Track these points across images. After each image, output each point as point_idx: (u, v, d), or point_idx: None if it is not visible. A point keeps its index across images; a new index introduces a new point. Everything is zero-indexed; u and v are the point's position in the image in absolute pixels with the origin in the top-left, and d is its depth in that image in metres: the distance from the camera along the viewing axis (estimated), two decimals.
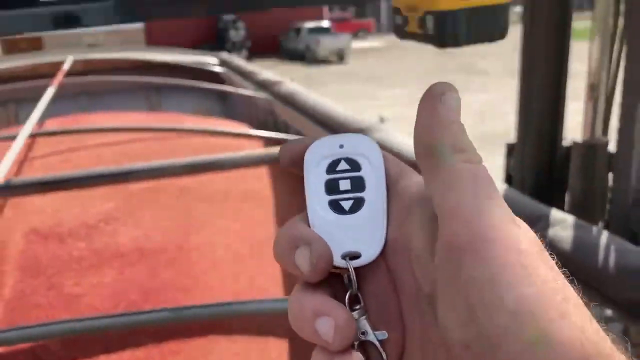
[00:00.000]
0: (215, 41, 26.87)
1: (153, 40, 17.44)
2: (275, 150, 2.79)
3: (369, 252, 0.41)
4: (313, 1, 0.76)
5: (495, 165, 1.85)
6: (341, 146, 0.43)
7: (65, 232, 2.54)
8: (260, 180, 3.14)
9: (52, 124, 3.30)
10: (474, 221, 0.33)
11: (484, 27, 0.62)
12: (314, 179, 0.44)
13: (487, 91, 15.30)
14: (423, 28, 0.63)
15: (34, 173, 2.64)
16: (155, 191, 2.78)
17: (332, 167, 0.43)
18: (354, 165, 0.43)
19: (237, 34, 26.85)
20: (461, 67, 19.66)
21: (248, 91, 4.17)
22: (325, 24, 27.29)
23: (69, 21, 0.74)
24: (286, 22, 27.94)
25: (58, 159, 2.87)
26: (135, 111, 4.32)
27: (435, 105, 0.39)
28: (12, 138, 2.53)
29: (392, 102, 14.30)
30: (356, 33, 32.68)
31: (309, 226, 0.42)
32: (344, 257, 0.41)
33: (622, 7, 1.54)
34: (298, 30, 26.21)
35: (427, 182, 0.38)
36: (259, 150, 2.92)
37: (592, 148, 1.65)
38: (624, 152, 1.46)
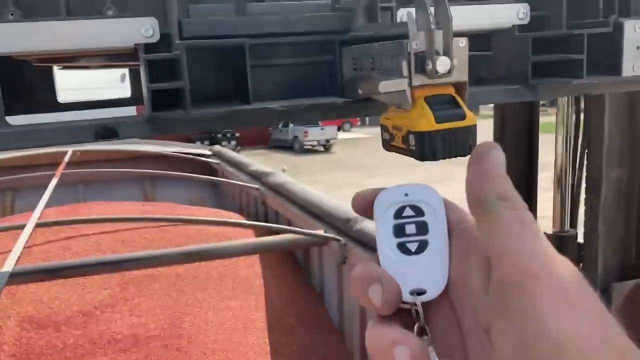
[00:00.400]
0: (207, 132, 27.49)
1: None
2: (266, 240, 2.92)
3: (434, 289, 0.45)
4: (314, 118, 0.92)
5: None
6: (406, 194, 0.49)
7: (61, 320, 2.60)
8: (252, 267, 3.24)
9: (51, 213, 3.42)
10: (521, 261, 0.38)
11: (456, 144, 0.78)
12: (383, 223, 0.48)
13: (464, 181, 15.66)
14: (406, 144, 0.79)
15: (33, 261, 2.72)
16: (150, 278, 2.86)
17: (398, 213, 0.48)
18: (418, 211, 0.48)
19: None
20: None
21: (240, 182, 4.34)
22: None
23: (108, 133, 0.90)
24: None
25: (57, 247, 2.96)
26: (131, 200, 4.45)
27: (482, 161, 0.46)
28: (17, 228, 2.64)
29: None
30: (341, 125, 33.72)
31: (379, 265, 0.47)
32: (411, 293, 0.45)
33: (582, 105, 1.73)
34: (286, 122, 26.98)
35: (479, 228, 0.43)
36: (250, 239, 3.03)
37: (561, 239, 1.79)
38: (590, 246, 1.60)
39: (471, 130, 0.83)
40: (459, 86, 0.82)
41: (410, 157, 0.82)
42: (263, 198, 3.84)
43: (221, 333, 2.64)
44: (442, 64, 0.74)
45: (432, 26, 0.74)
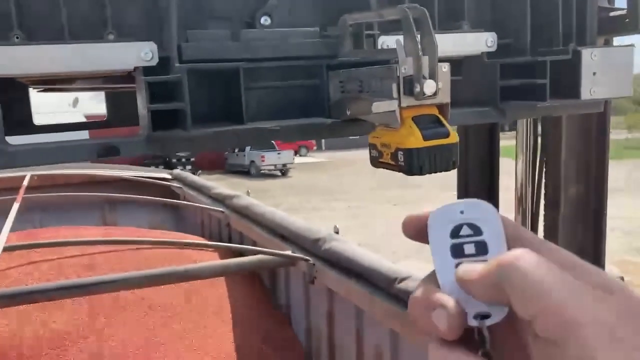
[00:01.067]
0: (161, 157, 27.20)
1: None
2: (235, 261, 2.93)
3: (498, 312, 0.43)
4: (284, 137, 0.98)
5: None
6: (462, 212, 0.47)
7: (25, 351, 2.53)
8: (219, 290, 3.24)
9: (10, 239, 3.34)
10: (558, 313, 0.37)
11: (441, 159, 0.85)
12: (439, 243, 0.46)
13: (421, 203, 15.99)
14: (395, 160, 0.86)
15: None
16: (116, 302, 2.83)
17: (455, 232, 0.46)
18: (476, 230, 0.46)
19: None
20: (396, 181, 20.59)
21: (202, 205, 4.33)
22: None
23: (110, 152, 0.93)
24: None
25: (19, 272, 2.89)
26: (90, 225, 4.38)
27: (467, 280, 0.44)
28: None
29: (335, 215, 14.70)
30: (298, 150, 33.92)
31: (438, 287, 0.45)
32: (475, 317, 0.43)
33: (540, 129, 1.85)
34: (243, 147, 27.02)
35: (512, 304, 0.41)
36: (219, 261, 3.04)
37: None
38: None
39: (454, 147, 0.91)
40: (442, 107, 0.91)
41: (399, 172, 0.89)
42: (227, 220, 3.85)
43: (193, 358, 2.63)
44: (429, 86, 0.82)
45: (420, 52, 0.81)
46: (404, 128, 0.85)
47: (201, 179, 5.04)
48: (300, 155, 33.65)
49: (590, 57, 1.14)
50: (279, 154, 26.36)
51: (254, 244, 3.38)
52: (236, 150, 27.88)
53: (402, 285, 2.03)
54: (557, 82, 1.15)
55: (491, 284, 0.41)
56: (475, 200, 0.47)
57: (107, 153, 0.90)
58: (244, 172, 27.11)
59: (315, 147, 36.43)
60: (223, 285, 3.29)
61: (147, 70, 0.92)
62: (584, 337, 0.36)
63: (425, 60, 0.82)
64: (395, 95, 0.83)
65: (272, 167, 26.25)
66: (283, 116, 1.01)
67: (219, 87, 1.01)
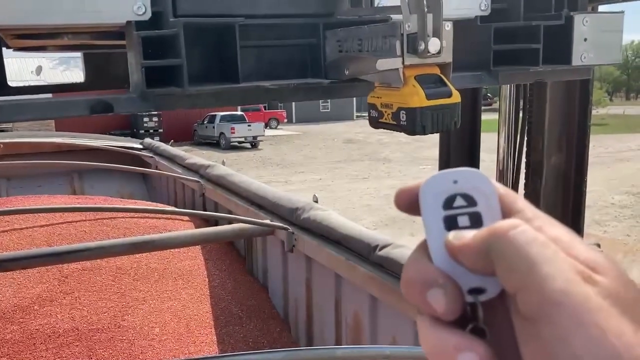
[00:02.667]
0: (128, 128, 26.70)
1: (64, 126, 17.15)
2: (213, 230, 2.92)
3: (493, 287, 0.41)
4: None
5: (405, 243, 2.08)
6: (455, 182, 0.44)
7: None
8: (194, 259, 3.22)
9: None
10: (541, 289, 0.36)
11: (443, 119, 0.85)
12: (432, 215, 0.44)
13: (392, 177, 16.12)
14: (397, 120, 0.85)
15: None
16: (90, 272, 2.79)
17: (448, 204, 0.44)
18: (470, 201, 0.44)
19: (151, 120, 26.89)
20: (366, 155, 20.70)
21: (175, 174, 4.28)
22: (238, 112, 27.98)
23: (104, 108, 0.90)
24: (199, 110, 28.32)
25: None
26: (59, 194, 4.29)
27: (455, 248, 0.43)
28: None
29: (306, 187, 14.71)
30: (268, 122, 33.67)
31: (432, 262, 0.43)
32: (470, 292, 0.41)
33: (521, 104, 1.86)
34: (212, 118, 26.66)
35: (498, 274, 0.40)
36: (197, 230, 3.01)
37: None
38: None
39: (456, 107, 0.91)
40: (444, 66, 0.90)
41: (401, 132, 0.89)
42: (202, 190, 3.81)
43: (166, 325, 2.62)
44: (434, 44, 0.81)
45: (425, 9, 0.80)
46: (406, 87, 0.84)
47: (174, 149, 4.97)
48: (271, 128, 33.45)
49: (582, 23, 1.14)
50: (249, 125, 26.14)
51: (230, 214, 3.36)
52: (205, 122, 27.55)
53: (383, 252, 2.04)
54: (549, 48, 1.15)
55: (480, 252, 0.40)
56: (469, 169, 0.45)
57: (101, 109, 0.87)
58: (214, 143, 26.84)
59: (285, 120, 36.24)
60: (198, 253, 3.28)
61: (138, 26, 0.89)
62: (558, 316, 0.35)
63: (429, 17, 0.81)
64: (399, 52, 0.82)
65: (242, 139, 26.04)
66: (279, 76, 0.99)
67: (214, 44, 0.98)
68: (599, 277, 0.36)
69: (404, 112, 0.84)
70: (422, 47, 0.80)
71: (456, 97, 0.86)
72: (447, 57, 0.86)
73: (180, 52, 0.87)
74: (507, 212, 0.43)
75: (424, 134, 0.83)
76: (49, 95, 1.75)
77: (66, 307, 2.59)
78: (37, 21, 0.85)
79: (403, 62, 0.83)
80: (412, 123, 0.83)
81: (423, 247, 0.44)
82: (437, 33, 0.81)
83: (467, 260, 0.41)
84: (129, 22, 0.89)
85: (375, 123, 0.91)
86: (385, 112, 0.88)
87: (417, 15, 0.80)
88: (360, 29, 0.92)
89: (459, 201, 0.44)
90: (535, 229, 0.39)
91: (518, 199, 0.44)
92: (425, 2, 0.80)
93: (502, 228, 0.39)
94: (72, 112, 0.90)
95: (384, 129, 0.90)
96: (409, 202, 0.46)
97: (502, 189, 0.44)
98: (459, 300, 0.41)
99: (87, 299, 2.65)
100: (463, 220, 0.44)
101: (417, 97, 0.83)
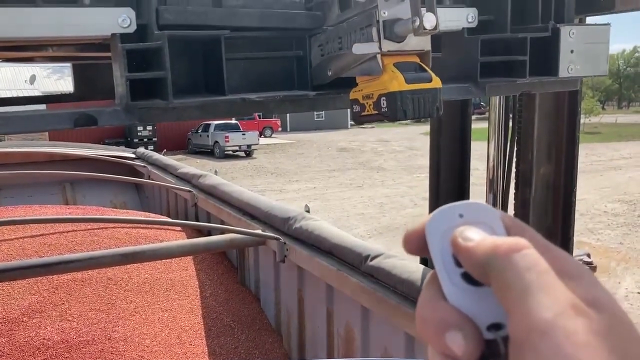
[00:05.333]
0: (123, 137, 26.66)
1: (57, 135, 17.11)
2: (204, 240, 2.90)
3: None
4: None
5: (398, 253, 2.07)
6: (461, 215, 0.43)
7: None
8: (185, 270, 3.20)
9: None
10: (530, 316, 0.35)
11: (424, 105, 0.85)
12: (441, 253, 0.43)
13: (385, 186, 16.14)
14: (378, 108, 0.86)
15: None
16: (81, 282, 2.77)
17: None
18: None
19: (145, 129, 26.87)
20: (360, 163, 20.72)
21: (168, 184, 4.26)
22: (233, 121, 28.02)
23: (88, 121, 0.90)
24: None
25: None
26: (51, 204, 4.26)
27: (459, 240, 0.43)
28: None
29: (300, 195, 14.70)
30: (262, 130, 33.67)
31: (446, 300, 0.42)
32: (489, 328, 0.40)
33: (511, 113, 1.87)
34: (207, 127, 26.67)
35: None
36: (188, 240, 3.00)
37: None
38: None
39: (437, 92, 0.91)
40: (423, 55, 0.90)
41: (383, 120, 0.88)
42: (195, 200, 3.80)
43: (158, 336, 2.60)
44: (429, 20, 0.80)
45: None
46: (386, 74, 0.85)
47: (167, 158, 4.95)
48: (265, 136, 33.47)
49: (569, 35, 1.15)
50: (243, 134, 26.15)
51: (223, 224, 3.34)
52: (199, 130, 27.53)
53: (374, 262, 2.03)
54: (536, 60, 1.16)
55: (480, 263, 0.39)
56: (474, 202, 0.44)
57: (85, 122, 0.86)
58: (208, 152, 26.84)
59: (280, 128, 36.26)
60: (190, 264, 3.26)
61: (124, 38, 0.89)
62: (543, 346, 0.34)
63: None
64: (375, 39, 0.83)
65: (237, 148, 26.05)
66: (265, 87, 0.99)
67: (199, 56, 0.98)
68: (594, 313, 0.35)
69: (385, 99, 0.84)
70: (417, 23, 0.79)
71: (437, 83, 0.87)
72: (425, 45, 0.87)
73: (164, 64, 0.87)
74: None
75: (406, 119, 0.84)
76: (42, 105, 1.74)
77: (56, 318, 2.56)
78: (23, 34, 0.84)
79: (380, 48, 0.83)
80: (393, 108, 0.84)
81: (435, 283, 0.43)
82: (431, 8, 0.80)
83: (465, 263, 0.41)
84: (113, 35, 0.89)
85: (358, 117, 0.91)
86: (367, 103, 0.88)
87: None
88: (338, 27, 0.92)
89: None
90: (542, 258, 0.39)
91: (526, 230, 0.43)
92: None
93: (505, 246, 0.39)
94: (56, 125, 0.89)
95: (367, 122, 0.90)
96: (417, 245, 0.44)
97: (508, 220, 0.44)
98: (478, 341, 0.40)
99: (77, 310, 2.63)
100: None
101: (396, 82, 0.84)
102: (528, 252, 0.38)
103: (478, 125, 1.97)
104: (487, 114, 2.36)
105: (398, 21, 0.83)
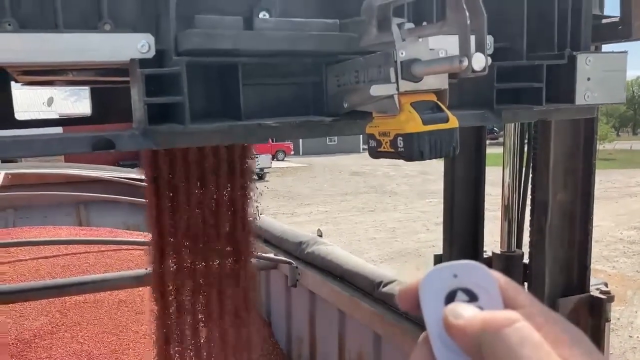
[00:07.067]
0: (137, 158, 26.85)
1: (73, 156, 17.26)
2: None
3: None
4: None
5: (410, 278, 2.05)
6: (455, 276, 0.43)
7: None
8: None
9: None
10: None
11: (441, 145, 0.85)
12: (433, 312, 0.42)
13: (398, 210, 16.08)
14: (395, 147, 0.85)
15: None
16: (92, 304, 2.77)
17: (450, 299, 0.43)
18: (472, 296, 0.42)
19: None
20: (372, 187, 20.69)
21: None
22: None
23: (106, 145, 0.91)
24: None
25: None
26: (65, 225, 4.29)
27: (449, 323, 0.42)
28: None
29: (312, 219, 14.68)
30: (275, 154, 33.83)
31: (434, 358, 0.42)
32: None
33: (526, 139, 1.86)
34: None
35: None
36: None
37: (509, 259, 1.90)
38: (537, 264, 1.71)
39: (454, 133, 0.90)
40: (440, 94, 0.90)
41: (399, 159, 0.88)
42: None
43: None
44: (478, 60, 0.77)
45: (468, 22, 0.77)
46: (402, 114, 0.85)
47: None
48: (278, 160, 33.58)
49: (585, 63, 1.14)
50: (256, 157, 26.27)
51: None
52: None
53: (387, 289, 2.02)
54: (552, 87, 1.15)
55: (472, 340, 0.39)
56: (469, 262, 0.44)
57: (103, 146, 0.87)
58: None
59: (292, 152, 36.39)
60: None
61: (142, 63, 0.90)
62: None
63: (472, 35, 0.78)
64: (393, 79, 0.83)
65: None
66: (281, 113, 0.99)
67: (216, 81, 0.99)
68: None
69: (401, 138, 0.84)
70: (465, 63, 0.77)
71: (453, 123, 0.86)
72: (443, 84, 0.87)
73: (182, 90, 0.87)
74: (509, 306, 0.42)
75: (422, 159, 0.83)
76: (59, 128, 1.76)
77: (67, 340, 2.56)
78: (45, 59, 0.86)
79: (398, 89, 0.83)
80: (410, 149, 0.83)
81: (427, 344, 0.43)
82: (481, 48, 0.78)
83: (458, 340, 0.40)
84: (132, 60, 0.90)
85: (375, 152, 0.91)
86: (383, 140, 0.88)
87: (460, 30, 0.77)
88: (356, 61, 0.92)
89: (460, 296, 0.43)
90: (535, 326, 0.38)
91: (521, 292, 0.43)
92: (467, 14, 0.76)
93: (496, 322, 0.38)
94: (75, 148, 0.90)
95: (383, 157, 0.90)
96: (411, 303, 0.44)
97: (503, 280, 0.43)
98: None
99: (89, 333, 2.62)
100: None
101: (413, 123, 0.83)
102: (519, 325, 0.38)
103: (490, 151, 1.96)
104: (499, 139, 2.35)
105: (415, 62, 0.82)
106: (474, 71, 0.76)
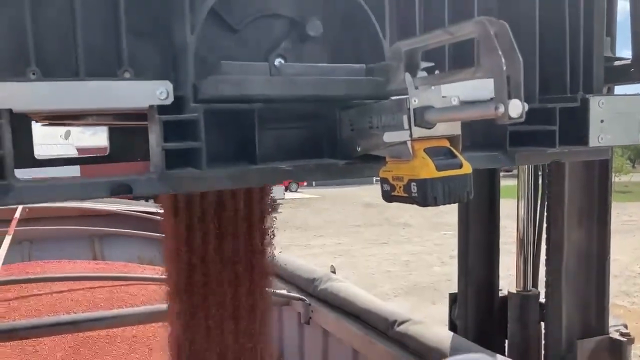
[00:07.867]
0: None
1: None
2: None
3: None
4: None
5: (426, 314, 2.02)
6: None
7: None
8: None
9: None
10: None
11: (455, 190, 0.85)
12: None
13: (412, 243, 15.96)
14: (408, 192, 0.86)
15: None
16: (105, 340, 2.76)
17: None
18: None
19: None
20: (385, 219, 20.61)
21: None
22: None
23: (123, 190, 0.92)
24: None
25: (5, 308, 2.83)
26: (79, 259, 4.31)
27: None
28: None
29: (325, 251, 14.61)
30: (288, 185, 33.95)
31: None
32: None
33: (540, 175, 1.86)
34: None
35: None
36: None
37: (525, 298, 1.88)
38: (554, 305, 1.69)
39: (468, 178, 0.91)
40: (453, 139, 0.91)
41: (412, 204, 0.89)
42: None
43: None
44: (515, 107, 0.74)
45: (504, 67, 0.77)
46: (416, 159, 0.86)
47: None
48: (291, 191, 33.64)
49: (598, 105, 1.15)
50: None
51: None
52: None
53: (401, 328, 2.00)
54: (566, 129, 1.16)
55: None
56: (479, 355, 0.43)
57: (121, 191, 0.89)
58: None
59: (305, 183, 36.48)
60: None
61: (160, 108, 0.92)
62: None
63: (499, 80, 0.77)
64: (406, 126, 0.84)
65: None
66: (295, 156, 1.01)
67: (232, 126, 1.00)
68: None
69: (415, 184, 0.85)
70: (502, 110, 0.75)
71: (467, 169, 0.87)
72: (455, 130, 0.88)
73: (199, 135, 0.89)
74: None
75: (436, 205, 0.84)
76: (76, 167, 1.79)
77: None
78: (68, 106, 0.88)
79: (411, 135, 0.84)
80: (423, 194, 0.84)
81: None
82: (518, 94, 0.75)
83: None
84: (151, 106, 0.92)
85: (389, 196, 0.92)
86: (397, 185, 0.89)
87: (494, 74, 0.76)
88: (369, 106, 0.94)
89: None
90: None
91: None
92: (503, 59, 0.75)
93: None
94: (94, 194, 0.91)
95: (397, 201, 0.90)
96: None
97: None
98: None
99: None
100: None
101: (426, 169, 0.84)
102: None
103: (504, 183, 1.96)
104: (513, 171, 2.34)
105: (429, 109, 0.84)
106: (510, 118, 0.74)
